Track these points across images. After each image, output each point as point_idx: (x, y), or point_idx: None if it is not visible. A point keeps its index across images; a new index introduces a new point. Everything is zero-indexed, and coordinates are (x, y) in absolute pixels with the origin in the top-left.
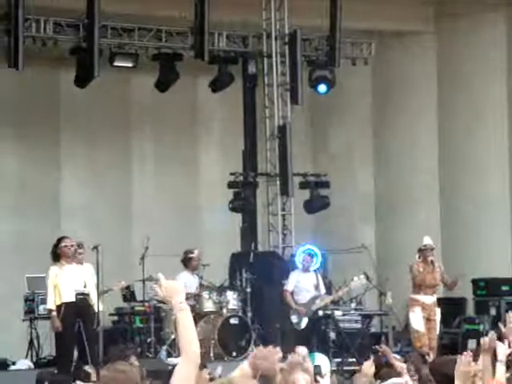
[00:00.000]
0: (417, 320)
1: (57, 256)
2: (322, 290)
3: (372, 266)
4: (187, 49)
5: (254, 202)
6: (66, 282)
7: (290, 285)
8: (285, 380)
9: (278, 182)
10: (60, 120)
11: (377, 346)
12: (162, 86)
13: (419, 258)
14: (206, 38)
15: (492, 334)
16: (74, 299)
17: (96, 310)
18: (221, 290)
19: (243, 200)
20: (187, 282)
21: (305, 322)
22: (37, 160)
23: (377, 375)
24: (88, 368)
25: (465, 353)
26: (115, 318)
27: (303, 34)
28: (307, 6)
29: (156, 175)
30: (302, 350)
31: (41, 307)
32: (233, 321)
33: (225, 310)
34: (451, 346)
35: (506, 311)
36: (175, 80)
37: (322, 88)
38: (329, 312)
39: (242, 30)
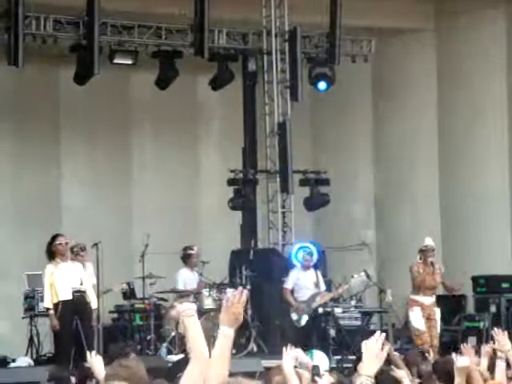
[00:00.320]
0: (417, 319)
1: (52, 254)
2: (322, 287)
3: (372, 264)
4: (187, 46)
5: (253, 199)
6: (62, 280)
7: (289, 283)
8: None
9: (277, 179)
10: (60, 118)
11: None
12: (162, 83)
13: (420, 258)
14: (206, 36)
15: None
16: (70, 297)
17: (93, 307)
18: (221, 287)
19: (243, 198)
20: (186, 278)
21: (305, 319)
22: (36, 158)
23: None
24: (87, 364)
25: (464, 345)
26: (115, 315)
27: (303, 31)
28: (307, 4)
29: (156, 172)
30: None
31: (41, 304)
32: None
33: None
34: (451, 343)
35: (507, 308)
36: (175, 77)
37: (322, 85)
38: (329, 309)
39: (241, 28)
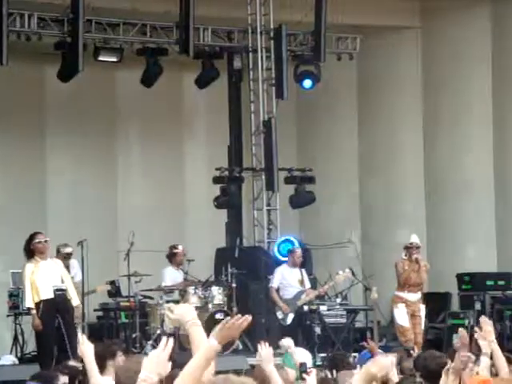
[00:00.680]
0: (401, 315)
1: (30, 252)
2: (307, 284)
3: (357, 261)
4: (172, 44)
5: (239, 197)
6: (43, 279)
7: (275, 281)
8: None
9: (263, 177)
10: (45, 115)
11: (364, 343)
12: (148, 81)
13: (405, 255)
14: (191, 33)
15: (461, 331)
16: (52, 295)
17: (74, 305)
18: (206, 285)
19: (228, 196)
20: (172, 276)
21: (290, 317)
22: (21, 156)
23: None
24: (71, 362)
25: (483, 317)
26: (100, 313)
27: (288, 28)
28: (292, 1)
29: (141, 170)
30: (286, 342)
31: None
32: (218, 316)
33: (210, 306)
34: (436, 340)
35: (491, 306)
36: (160, 75)
37: (307, 83)
38: (314, 307)
39: (227, 25)
